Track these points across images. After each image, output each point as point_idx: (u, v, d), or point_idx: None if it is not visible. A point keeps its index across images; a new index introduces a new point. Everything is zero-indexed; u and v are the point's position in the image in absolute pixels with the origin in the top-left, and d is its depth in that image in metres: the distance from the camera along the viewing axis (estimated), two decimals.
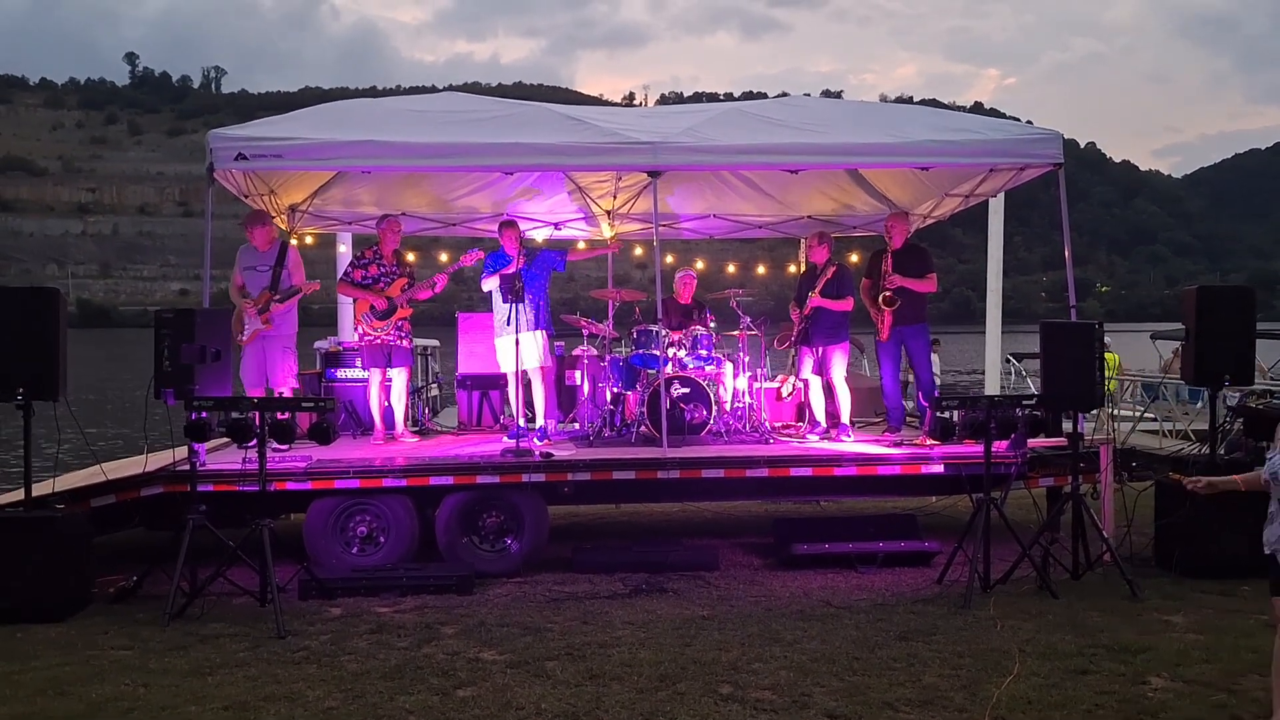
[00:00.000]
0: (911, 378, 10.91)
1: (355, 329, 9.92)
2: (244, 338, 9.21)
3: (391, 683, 5.81)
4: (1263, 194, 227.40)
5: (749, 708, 5.38)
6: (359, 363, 10.38)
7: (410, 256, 10.52)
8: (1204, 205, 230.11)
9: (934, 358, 13.36)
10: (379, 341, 9.67)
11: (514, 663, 6.12)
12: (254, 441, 7.37)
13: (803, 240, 12.02)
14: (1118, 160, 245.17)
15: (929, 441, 9.07)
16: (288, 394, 9.24)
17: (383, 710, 5.41)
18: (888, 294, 9.66)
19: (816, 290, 9.88)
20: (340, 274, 10.48)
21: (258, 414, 7.33)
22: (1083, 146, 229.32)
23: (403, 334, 9.78)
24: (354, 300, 10.01)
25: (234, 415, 7.55)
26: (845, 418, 10.01)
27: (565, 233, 13.06)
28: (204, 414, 7.41)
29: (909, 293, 9.70)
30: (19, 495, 7.76)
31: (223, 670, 6.06)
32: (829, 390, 10.15)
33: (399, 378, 9.80)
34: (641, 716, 5.27)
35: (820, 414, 10.19)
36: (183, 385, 7.35)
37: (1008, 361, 17.22)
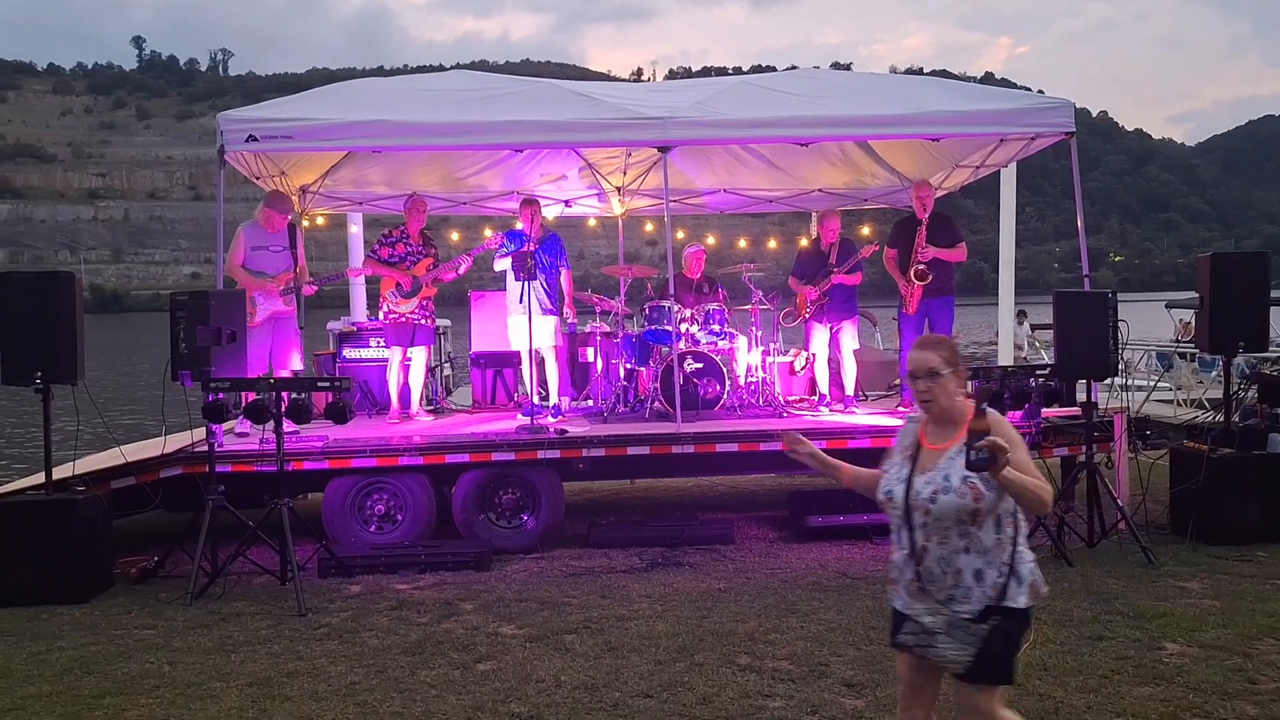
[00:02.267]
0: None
1: (380, 307, 9.94)
2: (257, 319, 9.06)
3: (412, 657, 5.87)
4: (1277, 159, 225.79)
5: (766, 677, 5.43)
6: (374, 342, 10.42)
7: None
8: (1218, 172, 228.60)
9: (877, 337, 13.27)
10: (403, 320, 9.71)
11: (533, 636, 6.17)
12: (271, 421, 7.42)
13: (814, 215, 12.01)
14: (1130, 128, 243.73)
15: None
16: (289, 375, 9.24)
17: (404, 684, 5.47)
18: (921, 267, 9.56)
19: (838, 269, 9.86)
20: (366, 252, 10.50)
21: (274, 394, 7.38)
22: (1095, 115, 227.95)
23: (426, 313, 9.82)
24: (376, 279, 10.03)
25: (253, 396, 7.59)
26: (850, 390, 10.06)
27: (576, 209, 13.06)
28: (221, 395, 7.46)
29: (939, 263, 9.63)
30: (40, 478, 7.83)
31: (246, 647, 6.13)
32: (838, 363, 10.16)
33: (419, 356, 9.83)
34: (660, 687, 5.32)
35: (827, 387, 10.20)
36: (199, 367, 7.39)
37: (1020, 314, 17.22)
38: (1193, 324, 19.77)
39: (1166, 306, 20.79)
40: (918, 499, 3.55)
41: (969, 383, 3.72)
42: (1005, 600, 3.44)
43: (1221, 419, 8.70)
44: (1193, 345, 16.94)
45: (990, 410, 3.44)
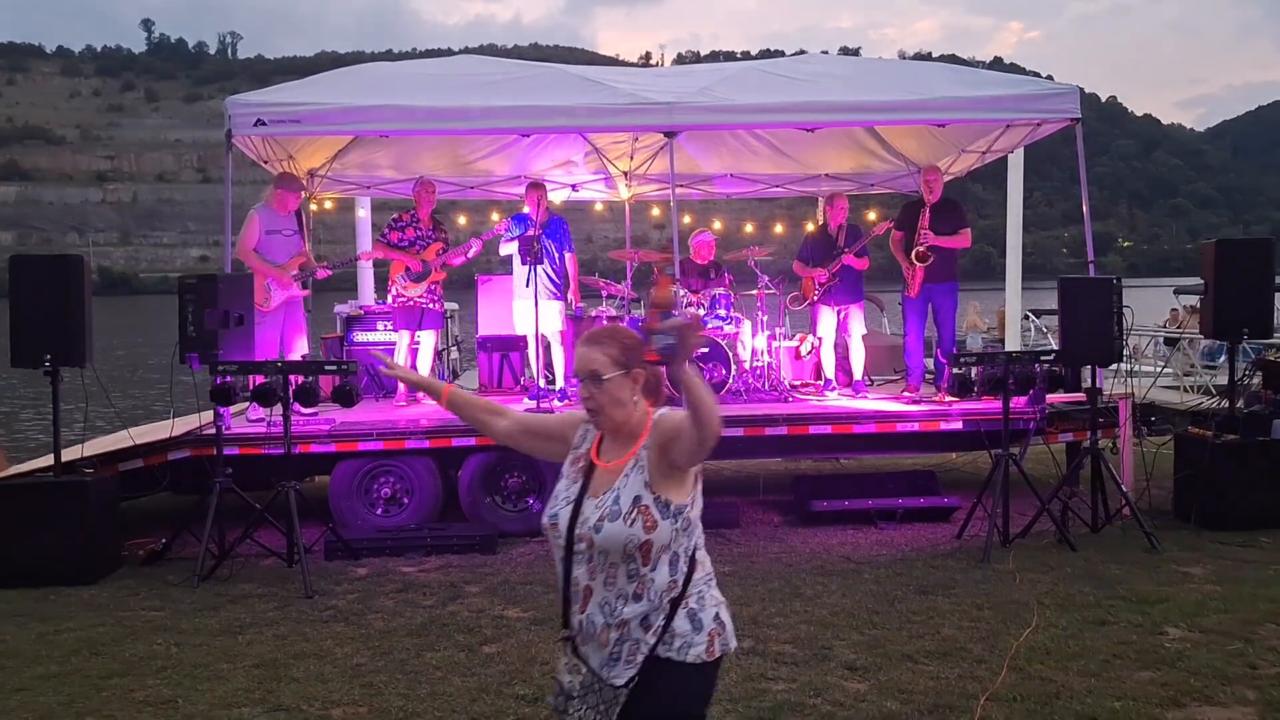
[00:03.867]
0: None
1: (389, 290, 9.97)
2: (270, 304, 9.03)
3: (418, 639, 5.92)
4: None
5: (770, 660, 5.46)
6: (382, 325, 10.45)
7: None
8: (1226, 157, 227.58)
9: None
10: (412, 303, 9.73)
11: (538, 619, 6.21)
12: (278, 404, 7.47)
13: (820, 200, 12.01)
14: (1139, 114, 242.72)
15: (947, 398, 9.09)
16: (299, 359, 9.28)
17: (410, 666, 5.51)
18: (921, 249, 9.57)
19: (848, 250, 9.86)
20: (376, 235, 10.53)
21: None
22: (1104, 100, 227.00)
23: (435, 297, 9.84)
24: (384, 262, 10.06)
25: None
26: (859, 374, 10.09)
27: (583, 194, 13.07)
28: (229, 378, 7.49)
29: (942, 249, 9.64)
30: (49, 460, 7.88)
31: (253, 629, 6.17)
32: (845, 348, 10.19)
33: (427, 340, 9.86)
34: None
35: (833, 372, 10.22)
36: (207, 350, 7.43)
37: (1026, 319, 17.27)
38: (1180, 312, 20.01)
39: (1175, 292, 20.78)
40: (584, 527, 2.89)
41: (656, 383, 3.04)
42: (673, 653, 2.83)
43: (1226, 405, 8.71)
44: (1180, 332, 17.09)
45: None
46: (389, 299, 10.05)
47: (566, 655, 2.93)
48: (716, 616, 2.92)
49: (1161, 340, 18.03)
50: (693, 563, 2.92)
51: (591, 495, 2.96)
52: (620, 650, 2.82)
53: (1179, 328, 17.99)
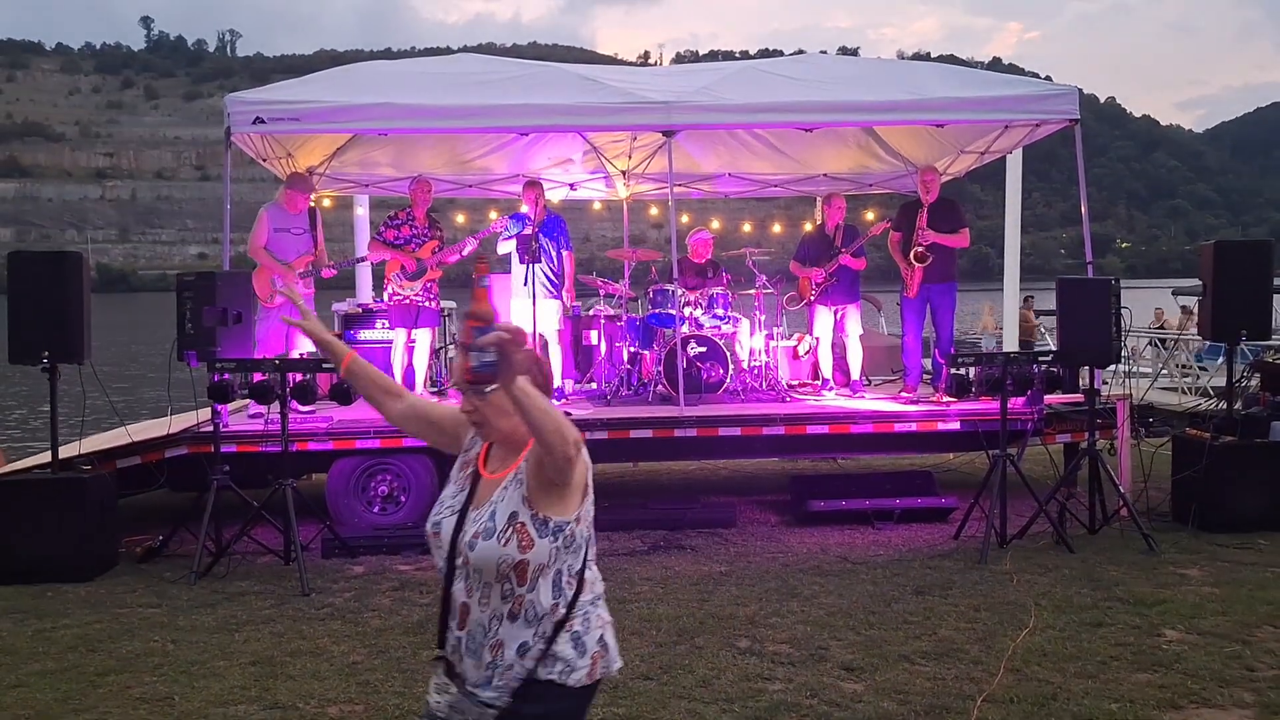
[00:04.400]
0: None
1: (385, 288, 9.97)
2: (275, 300, 9.08)
3: (414, 638, 5.91)
4: None
5: (766, 660, 5.46)
6: (379, 323, 10.44)
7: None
8: (1225, 159, 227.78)
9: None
10: (408, 302, 9.73)
11: None
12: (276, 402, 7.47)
13: (818, 199, 12.01)
14: (1138, 114, 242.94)
15: (945, 398, 9.09)
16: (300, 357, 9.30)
17: (406, 664, 5.51)
18: (919, 249, 9.56)
19: (846, 250, 9.87)
20: (372, 234, 10.53)
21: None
22: (1103, 101, 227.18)
23: (431, 295, 9.83)
24: (382, 260, 10.06)
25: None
26: (856, 374, 10.10)
27: (581, 193, 13.07)
28: (226, 375, 7.49)
29: (940, 248, 9.63)
30: (46, 457, 7.87)
31: (249, 626, 6.17)
32: (843, 348, 10.20)
33: (424, 338, 9.86)
34: (660, 670, 5.35)
35: (831, 372, 10.23)
36: (205, 347, 7.43)
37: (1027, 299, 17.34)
38: (1165, 313, 20.11)
39: (1173, 294, 20.83)
40: (463, 541, 2.71)
41: (546, 387, 2.77)
42: (554, 675, 2.68)
43: (1224, 407, 8.71)
44: (1164, 333, 17.18)
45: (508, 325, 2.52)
46: (385, 297, 10.05)
47: (437, 675, 2.77)
48: (601, 639, 2.78)
49: (1148, 342, 18.12)
50: (580, 582, 2.76)
51: (475, 506, 2.77)
52: (495, 672, 2.67)
53: (1166, 328, 18.12)
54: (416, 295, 9.71)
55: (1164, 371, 15.18)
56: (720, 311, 9.99)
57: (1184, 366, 15.77)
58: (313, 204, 9.77)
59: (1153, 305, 21.79)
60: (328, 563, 7.63)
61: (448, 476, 2.98)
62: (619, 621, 6.04)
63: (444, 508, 2.83)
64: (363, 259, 10.79)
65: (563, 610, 2.70)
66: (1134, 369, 13.98)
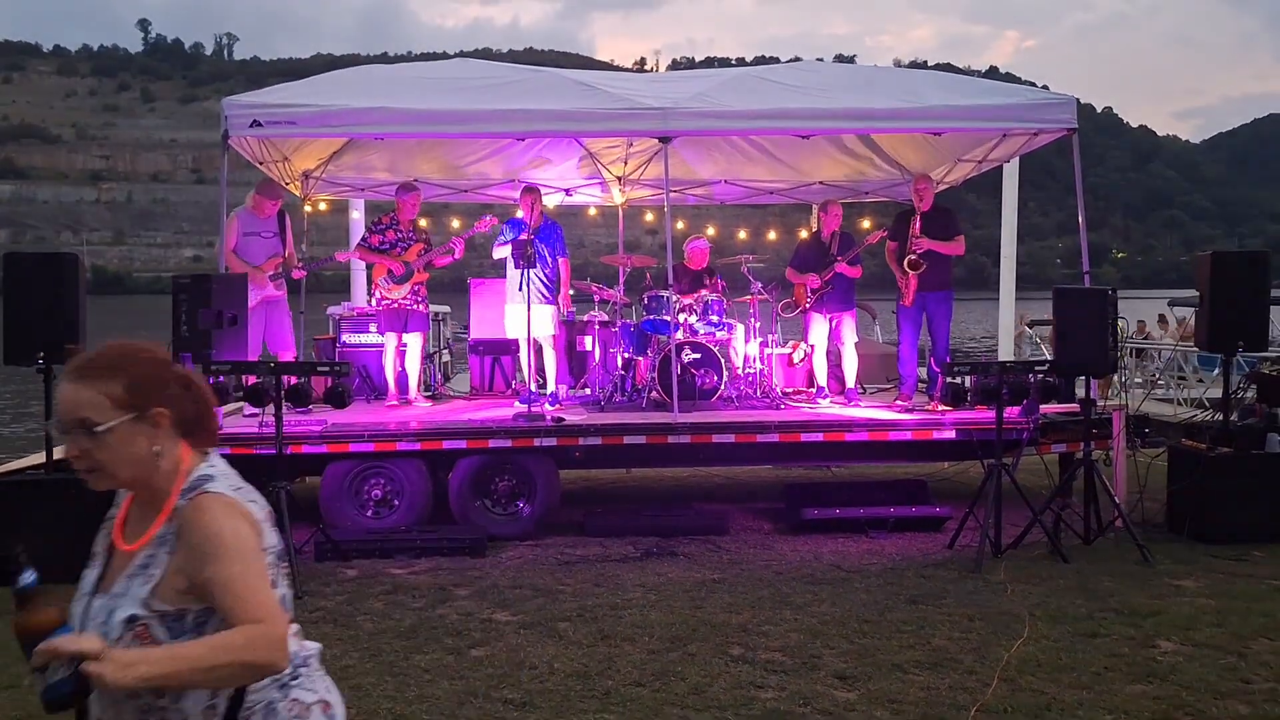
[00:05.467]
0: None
1: (373, 293, 9.97)
2: (250, 304, 9.00)
3: (407, 642, 5.89)
4: None
5: (759, 668, 5.44)
6: (373, 327, 10.43)
7: (422, 223, 10.54)
8: (1222, 169, 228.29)
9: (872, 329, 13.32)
10: (395, 306, 9.71)
11: (527, 623, 6.18)
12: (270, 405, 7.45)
13: (814, 207, 12.01)
14: (1135, 124, 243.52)
15: (940, 407, 9.08)
16: (291, 360, 9.31)
17: (399, 668, 5.48)
18: (913, 257, 9.54)
19: (843, 258, 9.86)
20: (356, 240, 10.57)
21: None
22: (1100, 111, 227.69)
23: (419, 299, 9.81)
24: (369, 265, 10.09)
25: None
26: (851, 382, 10.08)
27: (576, 199, 13.06)
28: (221, 378, 7.47)
29: (935, 256, 9.61)
30: (40, 458, 7.84)
31: None
32: (838, 355, 10.19)
33: (414, 342, 9.84)
34: (653, 676, 5.33)
35: (825, 379, 10.22)
36: (200, 350, 7.41)
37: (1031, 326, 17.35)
38: (1146, 324, 20.18)
39: (1169, 304, 20.83)
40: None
41: (200, 413, 2.23)
42: None
43: (1219, 418, 8.71)
44: (1146, 342, 17.26)
45: (200, 497, 2.08)
46: (372, 302, 10.05)
47: None
48: None
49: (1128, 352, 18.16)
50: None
51: (103, 590, 2.17)
52: None
53: (1145, 337, 18.20)
54: (404, 299, 9.69)
55: (1138, 380, 15.17)
56: (715, 318, 9.98)
57: (1178, 376, 15.75)
58: (283, 209, 9.79)
59: (1150, 316, 21.79)
60: (321, 566, 7.60)
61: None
62: (611, 628, 6.02)
63: (82, 593, 2.21)
64: (330, 259, 10.80)
65: (220, 715, 2.12)
66: (1129, 380, 14.00)
